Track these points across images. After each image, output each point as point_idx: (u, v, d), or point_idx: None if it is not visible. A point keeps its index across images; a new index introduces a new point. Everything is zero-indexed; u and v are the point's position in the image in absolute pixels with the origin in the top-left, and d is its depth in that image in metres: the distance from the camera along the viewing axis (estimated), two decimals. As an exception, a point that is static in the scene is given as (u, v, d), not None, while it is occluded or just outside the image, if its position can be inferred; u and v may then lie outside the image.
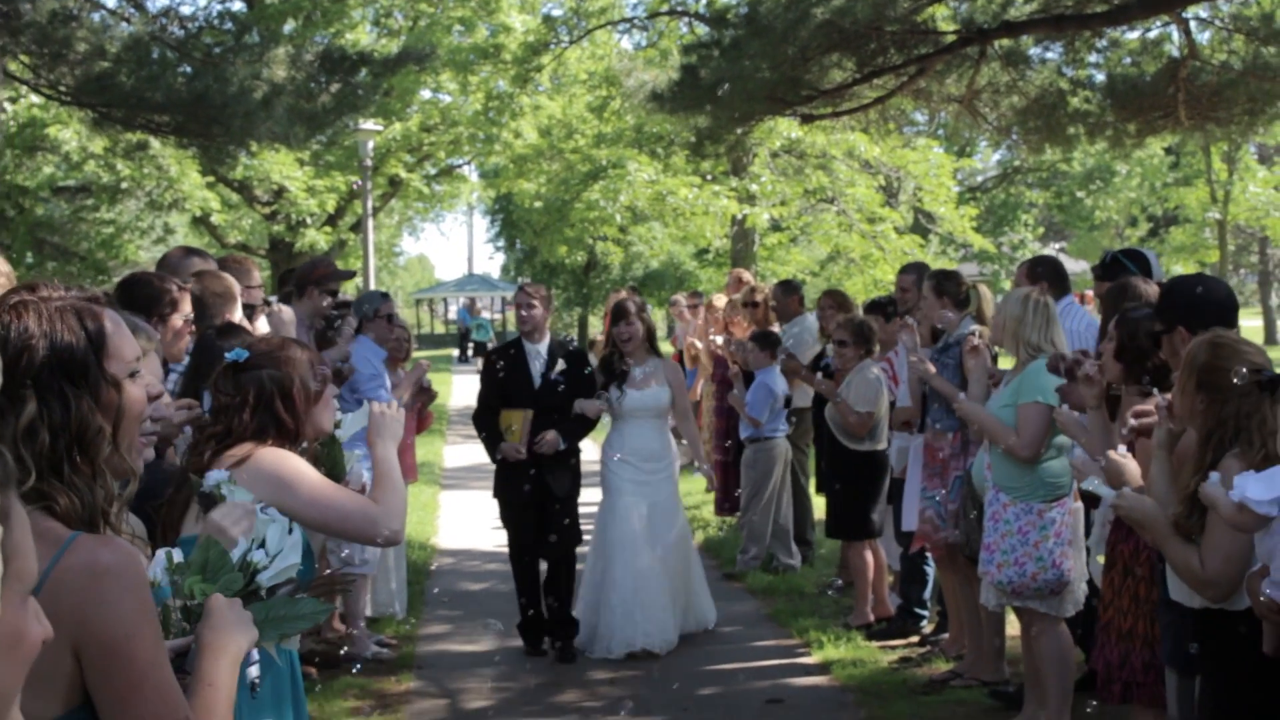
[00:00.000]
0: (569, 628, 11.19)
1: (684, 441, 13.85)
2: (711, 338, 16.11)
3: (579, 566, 11.50)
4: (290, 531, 4.28)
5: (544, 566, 11.35)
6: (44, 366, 2.93)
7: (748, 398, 13.45)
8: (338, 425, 5.64)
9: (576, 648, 11.16)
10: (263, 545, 3.92)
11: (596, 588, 11.31)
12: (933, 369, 9.88)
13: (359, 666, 10.60)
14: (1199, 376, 5.42)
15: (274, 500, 4.75)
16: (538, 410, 10.94)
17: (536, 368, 11.07)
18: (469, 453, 23.87)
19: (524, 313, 11.12)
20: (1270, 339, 55.65)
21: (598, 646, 11.09)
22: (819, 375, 12.43)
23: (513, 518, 11.22)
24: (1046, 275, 9.71)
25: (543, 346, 11.13)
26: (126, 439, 3.07)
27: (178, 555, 3.51)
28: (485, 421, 11.18)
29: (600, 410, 11.23)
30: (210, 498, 4.06)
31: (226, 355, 5.21)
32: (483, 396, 11.28)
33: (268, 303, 9.71)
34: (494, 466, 11.21)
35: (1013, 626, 9.85)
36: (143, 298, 6.81)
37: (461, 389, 39.76)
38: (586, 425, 11.18)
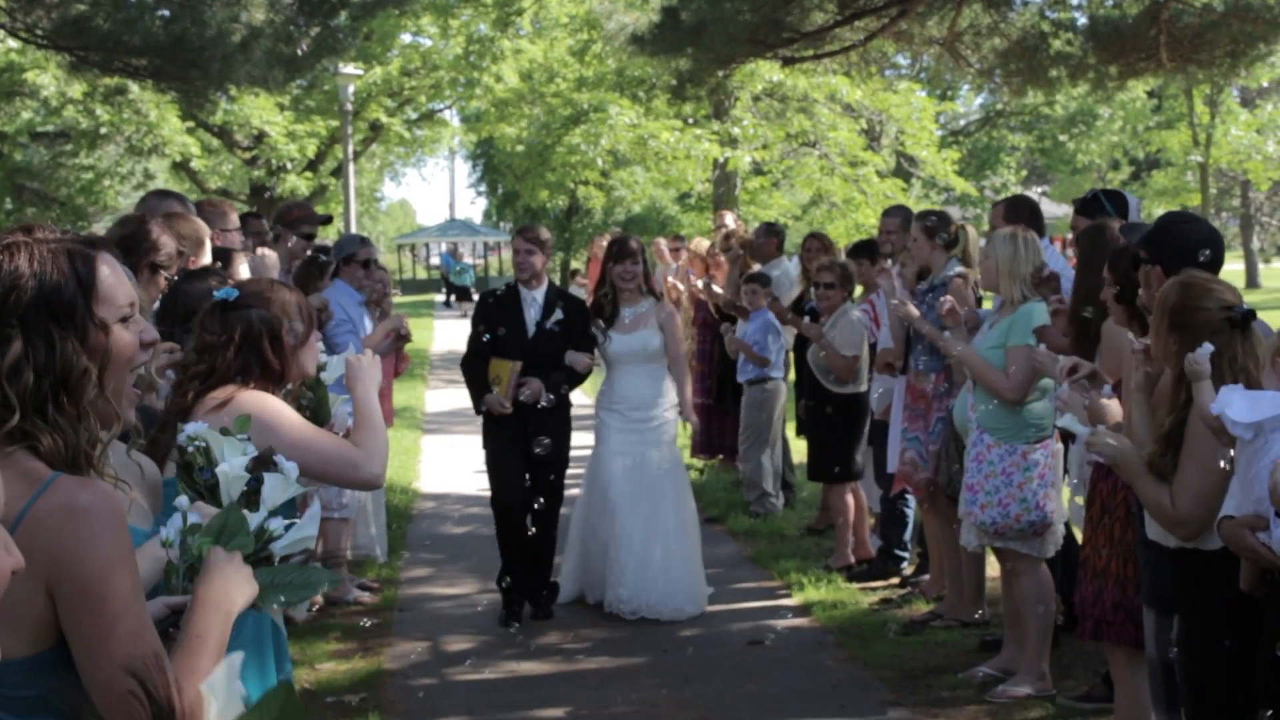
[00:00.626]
0: (547, 591, 10.71)
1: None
2: (692, 280, 16.07)
3: (564, 513, 10.96)
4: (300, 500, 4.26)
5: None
6: (31, 306, 2.92)
7: (751, 339, 13.39)
8: (322, 368, 5.62)
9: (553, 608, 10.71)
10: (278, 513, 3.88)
11: (587, 540, 10.86)
12: (915, 311, 9.87)
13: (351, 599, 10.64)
14: (1171, 317, 5.43)
15: (257, 443, 4.73)
16: (530, 361, 10.29)
17: (531, 315, 10.47)
18: (451, 397, 23.86)
19: (522, 258, 10.51)
20: (1251, 282, 55.76)
21: (593, 595, 10.81)
22: (805, 319, 12.40)
23: (499, 473, 10.60)
24: (1024, 216, 9.68)
25: (539, 293, 10.53)
26: (114, 383, 3.05)
27: (194, 517, 3.49)
28: (473, 368, 10.56)
29: (590, 364, 10.56)
30: (186, 457, 4.01)
31: (215, 294, 5.18)
32: (473, 341, 10.62)
33: (247, 246, 9.66)
34: (479, 415, 10.60)
35: (992, 568, 9.88)
36: (123, 238, 6.74)
37: (444, 334, 39.74)
38: (575, 379, 10.53)
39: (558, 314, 10.45)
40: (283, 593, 3.48)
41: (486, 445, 10.66)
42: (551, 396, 10.26)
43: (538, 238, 10.61)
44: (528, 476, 10.36)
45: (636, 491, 10.67)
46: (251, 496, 3.66)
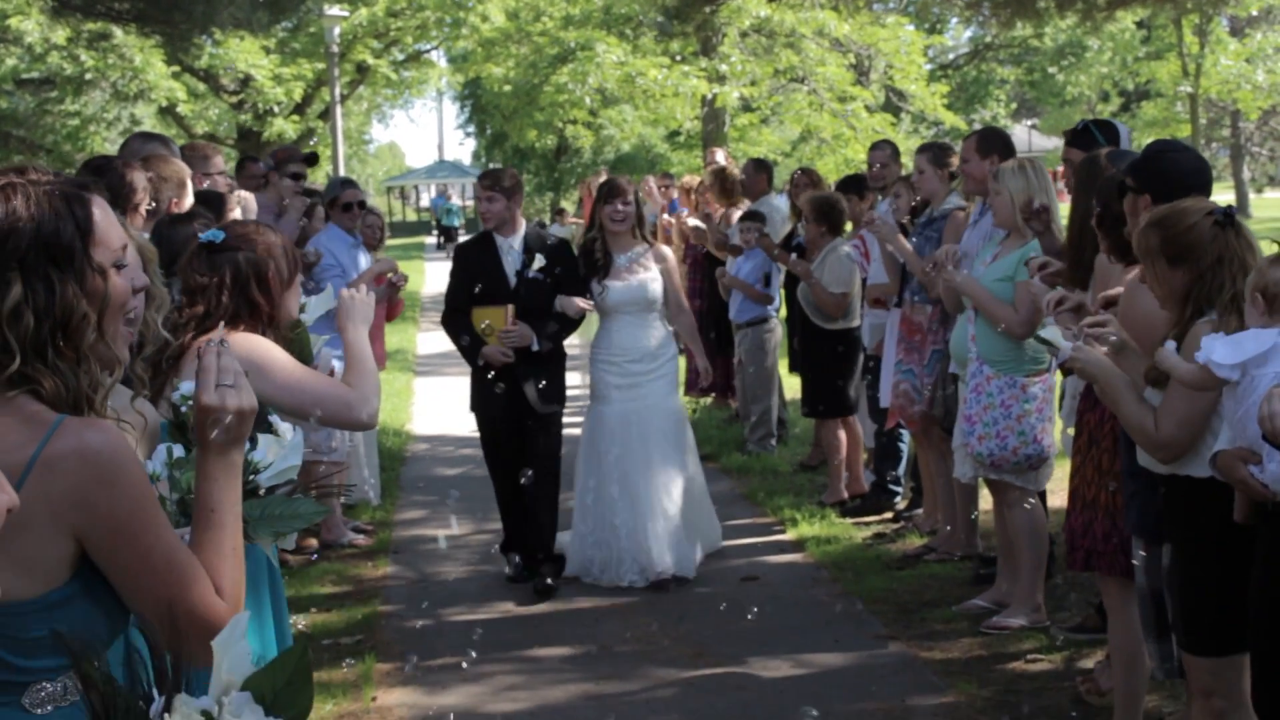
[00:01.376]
0: (551, 564, 9.96)
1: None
2: (684, 218, 16.03)
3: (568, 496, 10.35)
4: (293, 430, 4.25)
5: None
6: (30, 249, 2.88)
7: (749, 278, 13.32)
8: (302, 310, 5.61)
9: (553, 584, 9.86)
10: (261, 444, 3.87)
11: (592, 509, 10.10)
12: (908, 246, 9.84)
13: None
14: (1168, 254, 5.40)
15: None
16: (517, 313, 9.62)
17: (510, 264, 9.73)
18: (442, 339, 23.73)
19: (483, 207, 9.84)
20: (1242, 212, 55.70)
21: (607, 575, 9.93)
22: (793, 256, 12.35)
23: (488, 432, 10.06)
24: (998, 148, 9.59)
25: (515, 240, 9.75)
26: (111, 328, 3.04)
27: (178, 450, 3.49)
28: (456, 324, 9.87)
29: (583, 309, 9.82)
30: (180, 416, 3.99)
31: (201, 236, 5.16)
32: (450, 296, 10.01)
33: (234, 189, 9.63)
34: (477, 369, 9.84)
35: (985, 501, 9.90)
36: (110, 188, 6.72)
37: (435, 276, 39.66)
38: (568, 325, 9.82)
39: (539, 261, 9.71)
40: (273, 524, 3.49)
41: (474, 407, 10.11)
42: (544, 343, 9.64)
43: (496, 183, 9.83)
44: (519, 435, 9.82)
45: (642, 450, 10.01)
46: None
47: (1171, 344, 5.15)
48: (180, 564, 2.93)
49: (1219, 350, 4.87)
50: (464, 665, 8.18)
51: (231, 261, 5.06)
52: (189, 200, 7.50)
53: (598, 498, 10.08)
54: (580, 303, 9.79)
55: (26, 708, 2.87)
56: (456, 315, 9.88)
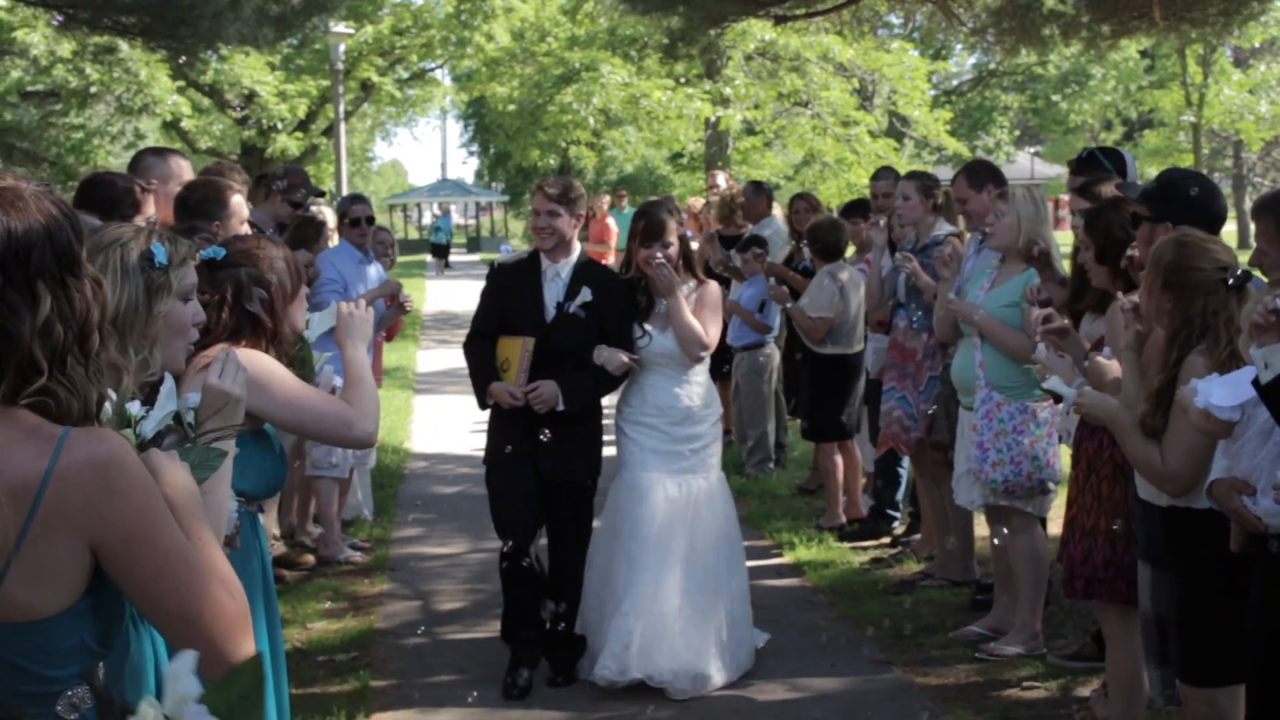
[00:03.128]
0: (571, 646, 8.40)
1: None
2: (690, 241, 16.06)
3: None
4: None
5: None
6: (50, 258, 2.85)
7: (748, 304, 13.30)
8: (306, 325, 5.60)
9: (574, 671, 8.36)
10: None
11: (601, 587, 8.41)
12: (919, 269, 9.83)
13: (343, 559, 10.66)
14: (1165, 275, 5.42)
15: (250, 402, 4.71)
16: (544, 353, 8.05)
17: (552, 293, 8.22)
18: (442, 357, 23.87)
19: (542, 221, 8.24)
20: (1244, 243, 55.70)
21: (597, 665, 8.12)
22: (771, 280, 12.35)
23: (503, 499, 8.28)
24: (988, 178, 9.59)
25: (565, 266, 8.24)
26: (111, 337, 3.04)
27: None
28: (479, 350, 8.33)
29: (626, 365, 8.16)
30: (181, 425, 3.98)
31: (202, 253, 5.15)
32: (478, 318, 8.47)
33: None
34: (484, 410, 8.39)
35: (980, 528, 9.90)
36: (104, 199, 6.75)
37: (435, 294, 39.67)
38: (605, 383, 8.28)
39: (584, 295, 8.13)
40: (200, 468, 3.48)
41: (488, 460, 8.39)
42: (572, 402, 8.10)
43: (565, 194, 8.28)
44: (540, 509, 8.26)
45: (679, 532, 8.27)
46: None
47: (1194, 383, 5.14)
48: (195, 563, 2.94)
49: (1216, 393, 4.88)
50: (467, 699, 8.17)
51: (233, 278, 5.06)
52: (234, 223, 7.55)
53: (608, 576, 8.36)
54: (624, 357, 8.15)
55: (61, 715, 2.87)
56: (479, 341, 8.39)
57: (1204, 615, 5.53)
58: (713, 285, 8.67)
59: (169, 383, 3.86)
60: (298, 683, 8.09)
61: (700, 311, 8.37)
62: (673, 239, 8.39)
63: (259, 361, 4.97)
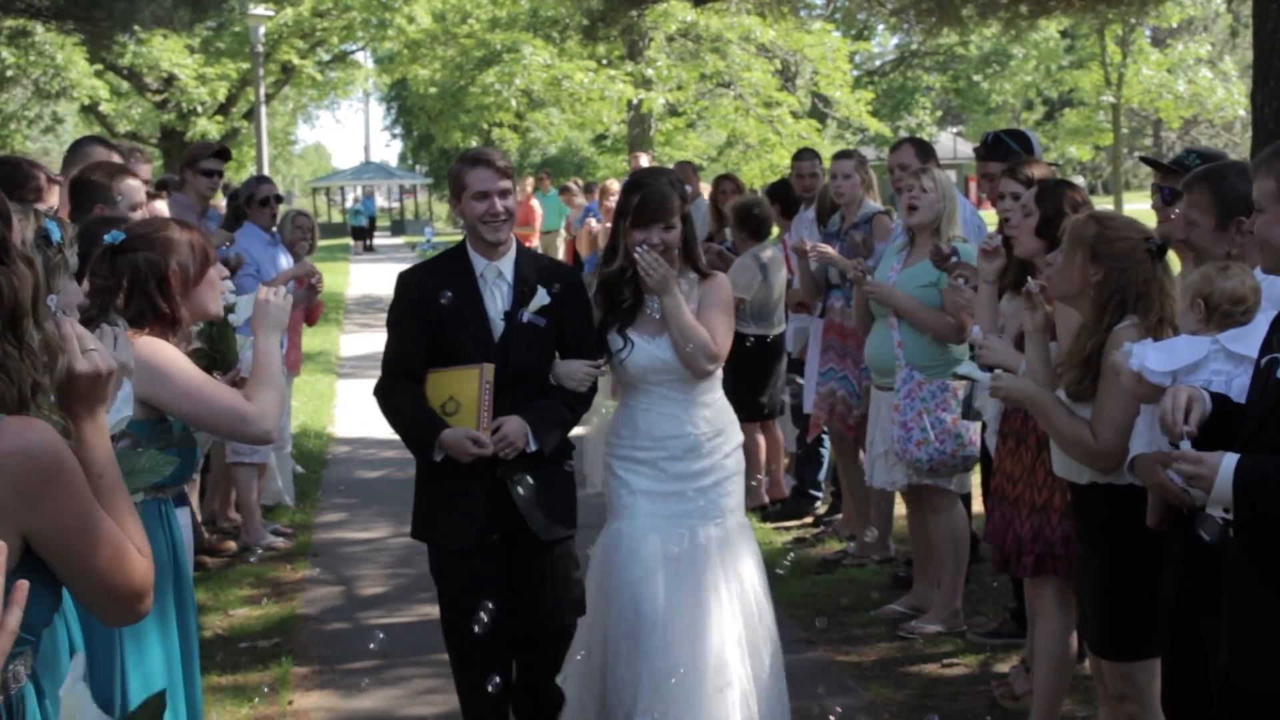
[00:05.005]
0: (549, 705, 6.59)
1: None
2: (605, 225, 16.07)
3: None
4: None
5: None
6: None
7: None
8: (230, 309, 5.55)
9: None
10: None
11: (601, 679, 6.50)
12: (834, 252, 9.84)
13: (256, 555, 10.61)
14: (1094, 247, 5.48)
15: (147, 391, 4.68)
16: (500, 379, 6.21)
17: (496, 301, 6.33)
18: (365, 341, 23.76)
19: (494, 207, 6.28)
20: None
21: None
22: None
23: (455, 585, 6.40)
24: (933, 155, 9.68)
25: (506, 263, 6.36)
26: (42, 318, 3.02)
27: None
28: (404, 397, 6.37)
29: (589, 376, 6.45)
30: None
31: (104, 238, 5.10)
32: (397, 356, 6.43)
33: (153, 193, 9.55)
34: (430, 465, 6.34)
35: (898, 507, 9.98)
36: (5, 178, 6.69)
37: (358, 278, 39.52)
38: (578, 404, 6.50)
39: (541, 296, 6.30)
40: (134, 478, 3.48)
41: (422, 534, 6.51)
42: (546, 437, 6.30)
43: (508, 167, 6.50)
44: (508, 591, 6.37)
45: (684, 596, 6.39)
46: None
47: (1129, 345, 5.18)
48: (118, 542, 2.97)
49: (1151, 357, 4.93)
50: (377, 670, 8.16)
51: (131, 263, 5.00)
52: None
53: (606, 666, 6.50)
54: (584, 369, 6.43)
55: None
56: (400, 385, 6.38)
57: (1122, 590, 5.59)
58: (721, 279, 6.72)
59: (126, 388, 3.85)
60: (219, 669, 8.08)
61: (705, 312, 6.46)
62: (676, 221, 6.41)
63: (159, 351, 4.91)
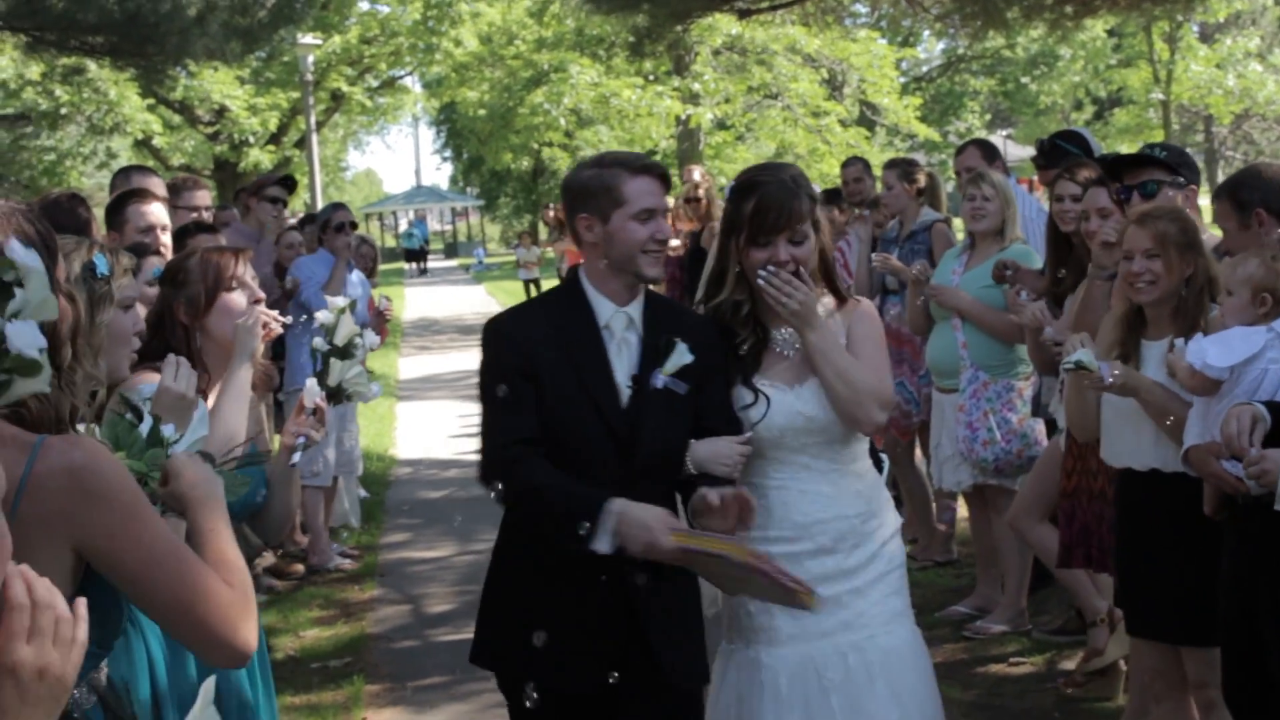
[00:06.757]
0: None
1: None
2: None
3: None
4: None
5: None
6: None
7: None
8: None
9: None
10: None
11: None
12: (893, 259, 9.85)
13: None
14: (1191, 237, 5.53)
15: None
16: (628, 471, 4.57)
17: (624, 361, 4.67)
18: (423, 364, 23.99)
19: (659, 231, 4.67)
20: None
21: None
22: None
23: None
24: (997, 155, 9.76)
25: (636, 310, 4.70)
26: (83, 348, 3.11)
27: (97, 431, 3.54)
28: (538, 471, 4.49)
29: (742, 458, 4.72)
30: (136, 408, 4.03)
31: (153, 272, 5.15)
32: (510, 425, 4.56)
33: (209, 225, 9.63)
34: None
35: (960, 509, 10.00)
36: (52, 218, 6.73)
37: (414, 301, 39.73)
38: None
39: (681, 354, 4.62)
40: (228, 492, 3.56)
41: (519, 664, 4.72)
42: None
43: (666, 173, 4.80)
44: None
45: None
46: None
47: (1180, 342, 5.21)
48: (185, 555, 3.00)
49: (1211, 352, 4.95)
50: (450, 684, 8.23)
51: (163, 298, 5.03)
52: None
53: None
54: (734, 448, 4.71)
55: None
56: (529, 454, 4.53)
57: (1171, 574, 5.59)
58: (867, 305, 5.19)
59: (202, 408, 3.93)
60: (292, 690, 8.17)
61: (859, 348, 4.95)
62: (807, 229, 4.87)
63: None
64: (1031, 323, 7.38)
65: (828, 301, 4.98)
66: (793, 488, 4.88)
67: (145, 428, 3.43)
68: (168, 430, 3.49)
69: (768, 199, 4.80)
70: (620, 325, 4.65)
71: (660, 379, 4.61)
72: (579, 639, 4.53)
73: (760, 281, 4.79)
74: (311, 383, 4.96)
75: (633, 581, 4.49)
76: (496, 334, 4.65)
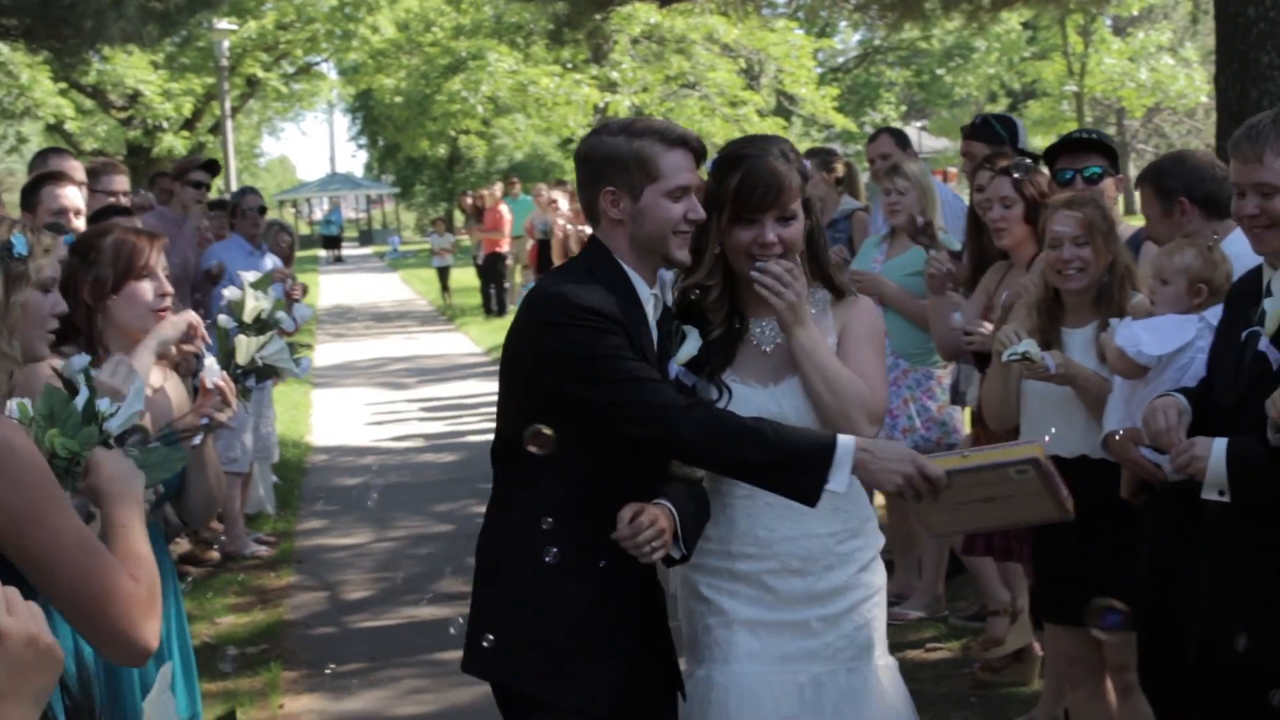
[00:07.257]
0: None
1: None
2: (581, 230, 16.13)
3: None
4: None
5: None
6: None
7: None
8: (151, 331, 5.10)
9: None
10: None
11: None
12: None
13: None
14: (1108, 227, 5.58)
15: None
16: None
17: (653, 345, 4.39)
18: (338, 351, 23.84)
19: (693, 205, 4.26)
20: (1129, 209, 56.52)
21: None
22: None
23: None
24: (908, 144, 9.80)
25: (657, 285, 4.38)
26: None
27: (29, 405, 3.50)
28: (719, 415, 4.15)
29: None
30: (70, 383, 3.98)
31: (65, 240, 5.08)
32: (637, 375, 4.07)
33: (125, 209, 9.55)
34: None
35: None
36: None
37: (329, 289, 39.50)
38: (704, 508, 4.42)
39: (693, 341, 4.46)
40: (150, 473, 3.52)
41: (545, 680, 4.30)
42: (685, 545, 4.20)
43: (702, 145, 4.36)
44: None
45: None
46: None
47: (1114, 323, 5.26)
48: (93, 547, 2.95)
49: (1145, 340, 4.98)
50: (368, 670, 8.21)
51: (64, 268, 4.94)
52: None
53: None
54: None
55: None
56: (710, 407, 4.29)
57: (1091, 559, 5.63)
58: (866, 302, 4.74)
59: (138, 382, 3.88)
60: (209, 676, 8.09)
61: (851, 349, 4.49)
62: (796, 208, 4.42)
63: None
64: (941, 276, 7.39)
65: (821, 294, 4.55)
66: (759, 497, 4.33)
67: (81, 400, 3.39)
68: (103, 404, 3.45)
69: (754, 173, 4.34)
70: (652, 307, 4.31)
71: (674, 368, 4.39)
72: (619, 660, 4.22)
73: (754, 274, 4.34)
74: (211, 362, 4.82)
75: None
76: (591, 312, 4.06)
